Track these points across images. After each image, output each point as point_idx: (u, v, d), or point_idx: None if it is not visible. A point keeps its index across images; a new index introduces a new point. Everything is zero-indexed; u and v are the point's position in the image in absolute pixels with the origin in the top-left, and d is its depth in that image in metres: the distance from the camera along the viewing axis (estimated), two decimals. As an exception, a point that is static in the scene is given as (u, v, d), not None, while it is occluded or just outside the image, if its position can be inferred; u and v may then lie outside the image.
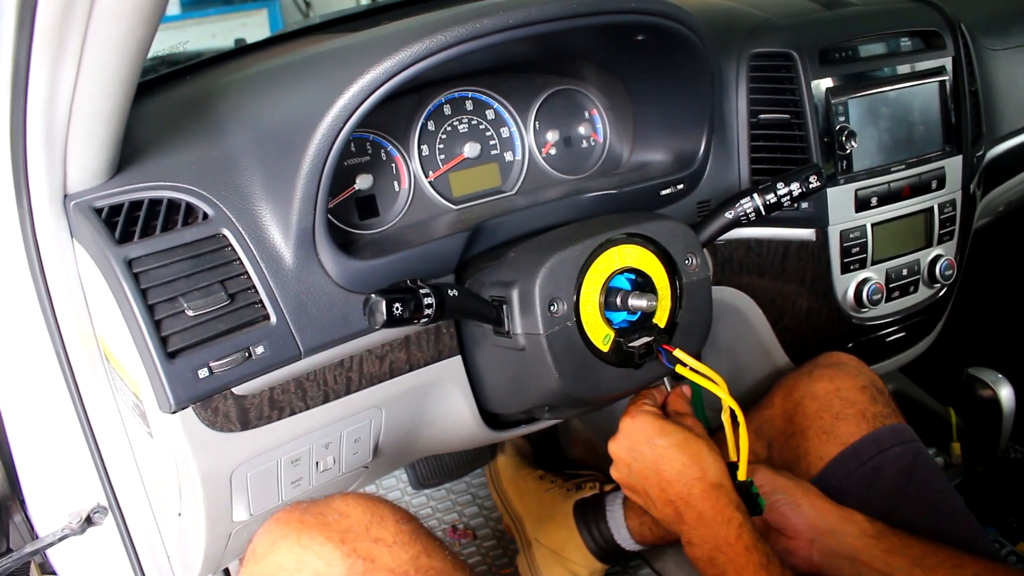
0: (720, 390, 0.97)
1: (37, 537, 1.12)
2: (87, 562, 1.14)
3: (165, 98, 1.09)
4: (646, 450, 0.99)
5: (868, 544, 1.00)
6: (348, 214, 1.06)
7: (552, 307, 0.93)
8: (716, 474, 0.95)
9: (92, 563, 1.14)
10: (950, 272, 1.38)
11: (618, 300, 0.97)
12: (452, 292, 0.88)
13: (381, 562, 0.84)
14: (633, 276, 0.99)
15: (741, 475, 0.98)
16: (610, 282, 0.97)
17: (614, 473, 1.04)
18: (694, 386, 1.07)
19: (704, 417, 1.09)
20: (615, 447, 1.02)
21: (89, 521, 1.09)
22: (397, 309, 0.83)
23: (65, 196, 0.89)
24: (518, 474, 1.75)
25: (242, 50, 1.25)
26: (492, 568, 1.72)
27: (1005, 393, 1.53)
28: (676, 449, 0.97)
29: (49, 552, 1.13)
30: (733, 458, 0.98)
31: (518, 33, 0.93)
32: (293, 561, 0.84)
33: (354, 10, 1.45)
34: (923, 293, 1.40)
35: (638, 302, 0.96)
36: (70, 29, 0.66)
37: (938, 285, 1.40)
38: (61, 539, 1.08)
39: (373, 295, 0.83)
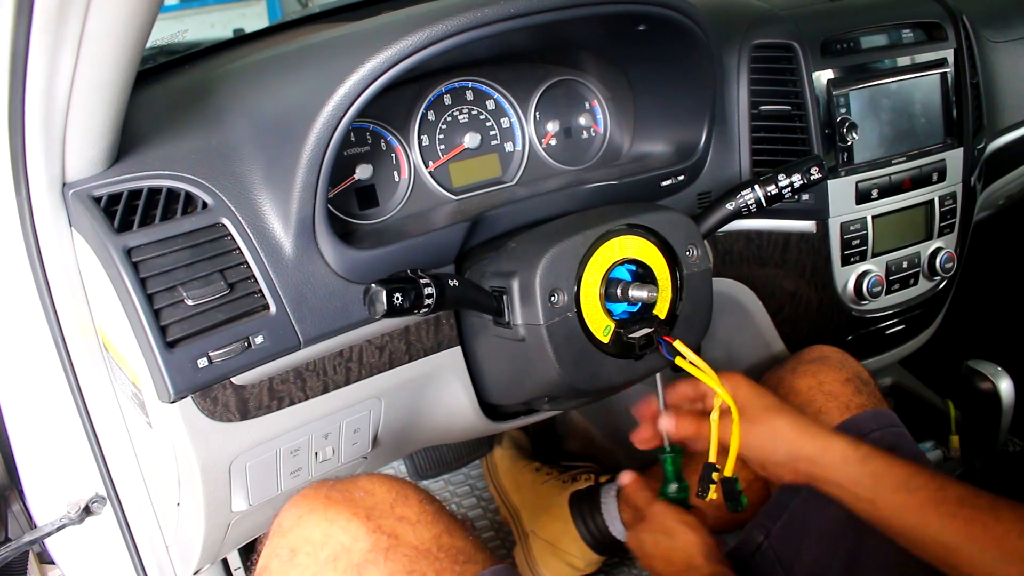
0: (716, 384, 0.97)
1: (36, 527, 1.12)
2: (85, 552, 1.14)
3: (164, 87, 1.08)
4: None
5: (853, 470, 0.98)
6: (348, 204, 1.06)
7: (552, 298, 0.93)
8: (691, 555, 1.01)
9: (90, 553, 1.14)
10: (950, 265, 1.38)
11: (619, 291, 0.97)
12: (452, 282, 0.88)
13: (405, 539, 0.87)
14: (634, 267, 0.99)
15: (728, 471, 0.98)
16: (611, 273, 0.97)
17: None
18: (667, 459, 1.10)
19: (684, 486, 1.09)
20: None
21: (87, 511, 1.09)
22: (397, 299, 0.82)
23: (64, 185, 0.88)
24: (515, 466, 1.76)
25: (241, 39, 1.25)
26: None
27: (1004, 386, 1.53)
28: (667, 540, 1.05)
29: (47, 542, 1.13)
30: (713, 459, 0.99)
31: (519, 23, 0.92)
32: (319, 535, 0.86)
33: (355, -1, 1.44)
34: (923, 286, 1.40)
35: (639, 293, 0.96)
36: (69, 16, 0.66)
37: (938, 278, 1.40)
38: (59, 529, 1.08)
39: (373, 285, 0.83)
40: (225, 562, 1.32)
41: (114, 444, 1.04)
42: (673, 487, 1.09)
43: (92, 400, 1.00)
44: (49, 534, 1.09)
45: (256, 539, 1.10)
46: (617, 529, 1.48)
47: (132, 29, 0.70)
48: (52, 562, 1.21)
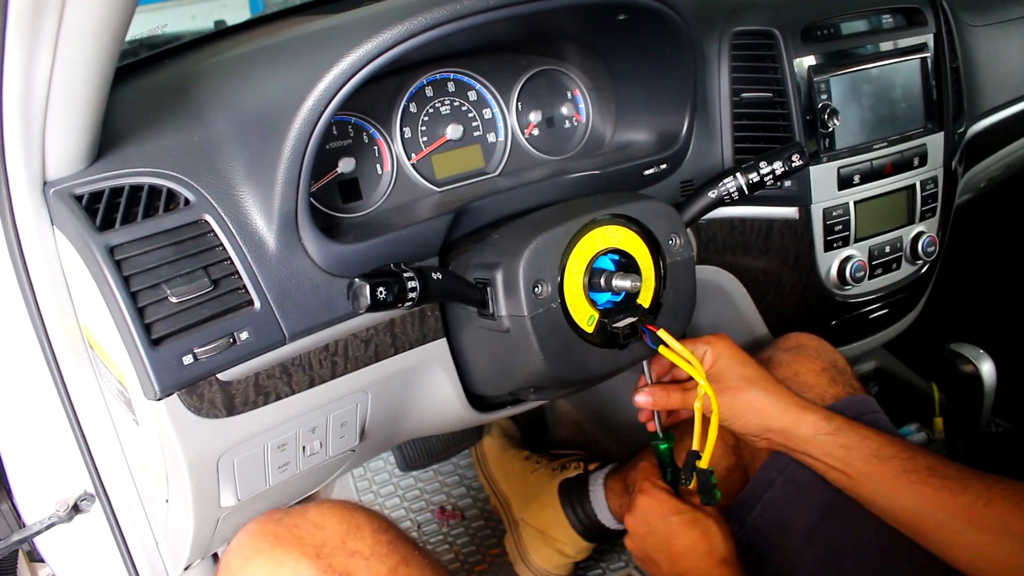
0: (698, 373, 0.97)
1: (24, 525, 1.12)
2: (75, 550, 1.14)
3: (144, 82, 1.07)
4: (660, 526, 1.01)
5: (824, 441, 1.01)
6: (331, 198, 1.06)
7: (536, 289, 0.93)
8: (724, 550, 0.97)
9: (80, 551, 1.14)
10: (932, 249, 1.39)
11: (602, 281, 0.97)
12: (436, 275, 0.88)
13: None
14: (617, 257, 0.99)
15: (704, 463, 0.99)
16: (594, 263, 0.97)
17: (628, 543, 1.07)
18: (659, 447, 1.09)
19: (677, 471, 1.09)
20: (632, 521, 1.05)
21: (76, 509, 1.09)
22: (381, 293, 0.82)
23: (44, 183, 0.88)
24: (504, 455, 1.77)
25: (222, 33, 1.24)
26: (480, 548, 1.74)
27: (986, 368, 1.55)
28: (687, 526, 0.99)
29: (37, 540, 1.13)
30: (697, 447, 1.00)
31: (499, 14, 0.92)
32: None
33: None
34: (905, 270, 1.41)
35: (622, 283, 0.96)
36: (45, 14, 0.65)
37: (920, 262, 1.41)
38: (49, 527, 1.08)
39: (356, 279, 0.83)
40: (215, 557, 1.32)
41: (101, 442, 1.04)
42: (667, 475, 1.10)
43: (78, 398, 1.00)
44: (38, 533, 1.09)
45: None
46: (606, 517, 1.49)
47: (110, 26, 0.70)
48: (42, 560, 1.21)
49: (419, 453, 1.88)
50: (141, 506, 1.10)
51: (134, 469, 1.07)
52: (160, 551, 1.14)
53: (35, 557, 1.29)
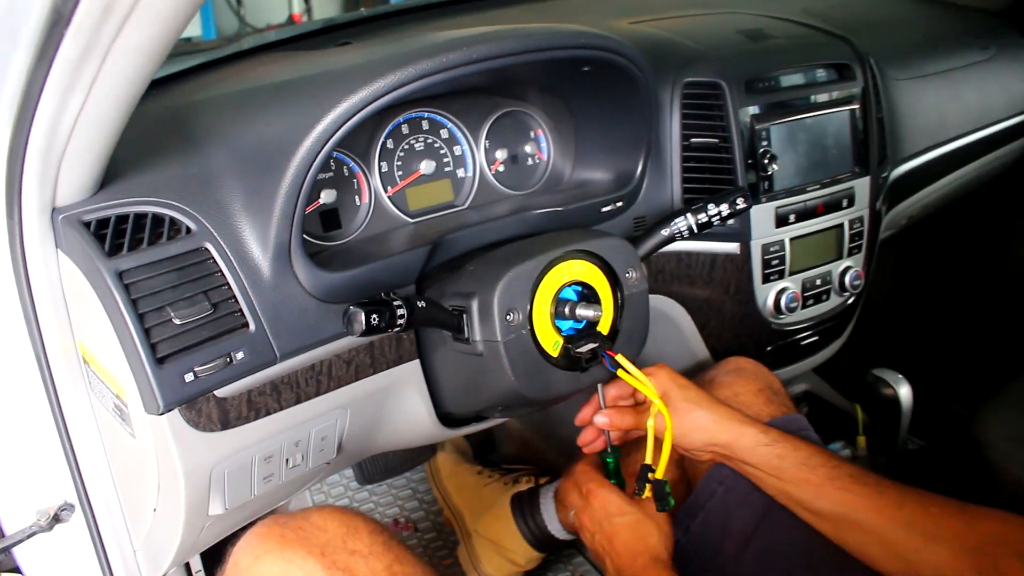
0: (652, 393, 1.07)
1: (3, 535, 1.15)
2: (51, 558, 1.17)
3: (140, 111, 1.12)
4: (605, 524, 1.11)
5: (762, 452, 1.11)
6: (313, 226, 1.13)
7: (509, 316, 1.02)
8: (658, 550, 1.07)
9: (57, 559, 1.17)
10: (858, 282, 1.51)
11: (567, 310, 1.06)
12: (420, 304, 0.97)
13: (359, 572, 0.93)
14: (580, 288, 1.09)
15: (659, 474, 1.09)
16: (559, 294, 1.07)
17: (584, 536, 1.16)
18: (606, 459, 1.19)
19: (621, 482, 1.19)
20: (584, 518, 1.15)
21: (56, 519, 1.13)
22: (375, 320, 0.91)
23: (54, 210, 0.93)
24: (457, 470, 1.84)
25: (204, 66, 1.30)
26: (433, 559, 1.80)
27: (904, 392, 1.68)
28: (629, 528, 1.09)
29: (13, 549, 1.16)
30: (649, 460, 1.09)
31: (480, 66, 1.01)
32: (277, 574, 0.92)
33: (308, 27, 1.51)
34: (834, 301, 1.53)
35: (585, 312, 1.06)
36: (87, 63, 0.71)
37: (847, 294, 1.53)
38: (29, 536, 1.12)
39: (352, 307, 0.91)
40: (187, 565, 1.36)
41: (88, 453, 1.09)
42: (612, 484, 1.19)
43: (70, 412, 1.04)
44: (19, 542, 1.12)
45: (220, 543, 1.15)
46: (555, 528, 1.57)
47: (143, 72, 0.76)
48: (16, 570, 1.23)
49: (377, 468, 1.94)
50: (122, 515, 1.15)
51: (119, 480, 1.12)
52: (137, 559, 1.18)
53: (6, 567, 1.32)
